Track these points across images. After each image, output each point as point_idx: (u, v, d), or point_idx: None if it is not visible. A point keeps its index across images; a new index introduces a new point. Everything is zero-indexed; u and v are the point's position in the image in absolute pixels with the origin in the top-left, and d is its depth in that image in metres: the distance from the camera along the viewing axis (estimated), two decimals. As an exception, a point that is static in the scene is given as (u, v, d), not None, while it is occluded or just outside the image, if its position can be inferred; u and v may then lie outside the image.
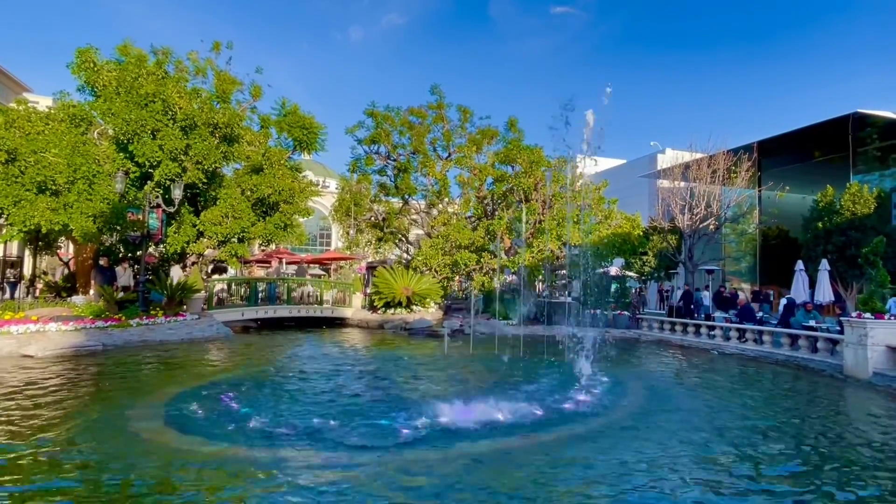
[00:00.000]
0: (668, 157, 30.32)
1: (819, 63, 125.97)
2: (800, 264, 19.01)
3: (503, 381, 9.99)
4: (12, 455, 5.50)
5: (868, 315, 11.36)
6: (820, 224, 22.98)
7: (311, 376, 10.28)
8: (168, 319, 15.50)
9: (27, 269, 22.82)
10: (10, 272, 20.96)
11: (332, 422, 6.81)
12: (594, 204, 22.84)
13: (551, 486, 5.00)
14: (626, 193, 30.04)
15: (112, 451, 5.77)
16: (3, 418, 6.79)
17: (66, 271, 20.49)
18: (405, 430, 6.49)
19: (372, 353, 14.05)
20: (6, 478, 4.94)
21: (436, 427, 6.68)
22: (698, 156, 22.21)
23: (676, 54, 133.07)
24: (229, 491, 4.81)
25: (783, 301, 17.39)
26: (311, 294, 22.22)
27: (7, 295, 19.03)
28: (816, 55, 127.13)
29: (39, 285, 19.95)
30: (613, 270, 24.50)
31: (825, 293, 17.75)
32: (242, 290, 20.61)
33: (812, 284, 18.76)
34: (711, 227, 21.13)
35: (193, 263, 19.27)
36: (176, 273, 17.73)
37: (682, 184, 22.33)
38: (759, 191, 28.89)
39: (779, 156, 29.79)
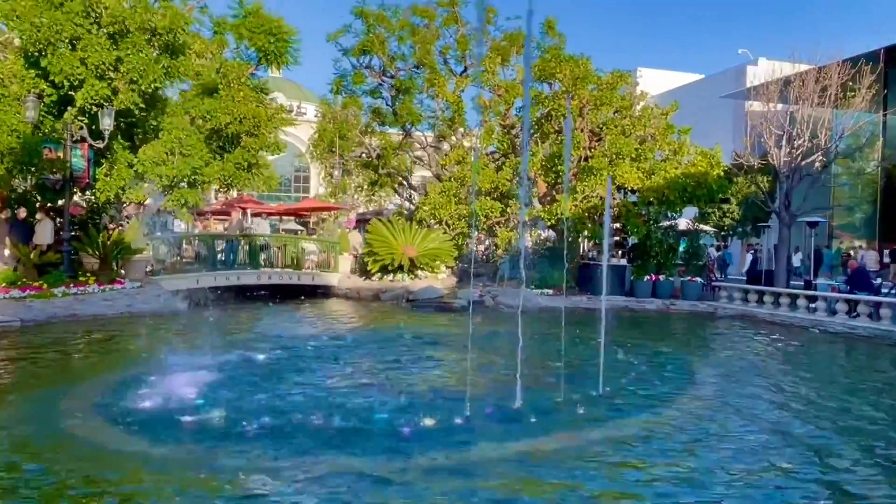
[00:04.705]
0: (762, 71, 29.41)
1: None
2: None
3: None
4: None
5: None
6: (966, 160, 22.45)
7: (287, 360, 10.48)
8: (102, 288, 15.78)
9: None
10: None
11: (310, 417, 7.03)
12: (659, 134, 22.43)
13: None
14: (703, 119, 29.38)
15: (37, 453, 5.98)
16: None
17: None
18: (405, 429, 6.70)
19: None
20: None
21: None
22: (802, 68, 21.55)
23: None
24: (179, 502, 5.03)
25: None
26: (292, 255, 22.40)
27: None
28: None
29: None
30: (683, 224, 24.35)
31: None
32: (200, 250, 20.84)
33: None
34: (817, 164, 20.71)
35: (129, 215, 19.45)
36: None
37: (780, 106, 21.74)
38: (885, 115, 28.13)
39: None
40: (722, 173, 21.81)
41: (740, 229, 29.45)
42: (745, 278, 22.91)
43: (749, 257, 24.78)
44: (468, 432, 6.75)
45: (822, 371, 11.68)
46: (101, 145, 16.53)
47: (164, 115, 18.31)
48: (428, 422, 7.04)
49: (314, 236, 28.94)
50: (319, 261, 23.23)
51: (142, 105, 17.06)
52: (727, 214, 28.52)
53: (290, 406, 7.60)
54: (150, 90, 17.02)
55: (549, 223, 22.50)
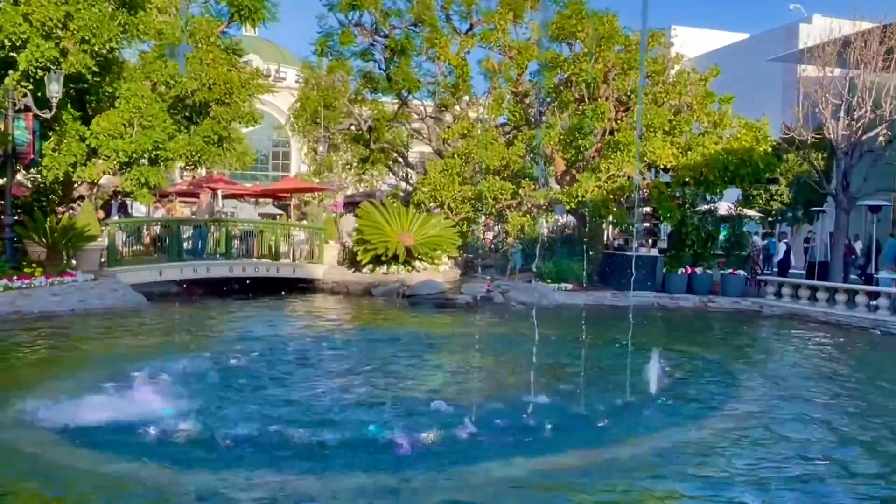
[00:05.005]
0: (817, 30, 29.31)
1: None
2: None
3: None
4: None
5: None
6: None
7: (263, 366, 10.53)
8: (50, 281, 15.79)
9: None
10: None
11: (289, 431, 7.02)
12: (697, 104, 22.34)
13: None
14: (748, 87, 29.32)
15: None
16: None
17: None
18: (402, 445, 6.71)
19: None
20: None
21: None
22: (865, 26, 21.43)
23: None
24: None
25: None
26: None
27: None
28: None
29: None
30: (724, 208, 24.30)
31: None
32: (163, 238, 20.85)
33: None
34: (881, 139, 20.65)
35: (81, 197, 19.44)
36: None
37: (838, 71, 21.63)
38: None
39: None
40: (770, 149, 21.73)
41: (790, 214, 29.37)
42: (784, 270, 22.89)
43: (782, 247, 24.79)
44: (473, 449, 6.74)
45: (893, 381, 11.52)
46: (48, 115, 16.48)
47: (121, 80, 18.26)
48: (426, 436, 7.02)
49: (303, 222, 28.93)
50: (302, 250, 23.25)
51: (95, 69, 16.99)
52: (775, 197, 28.45)
53: (265, 418, 7.57)
54: (104, 51, 16.93)
55: (568, 207, 22.44)
